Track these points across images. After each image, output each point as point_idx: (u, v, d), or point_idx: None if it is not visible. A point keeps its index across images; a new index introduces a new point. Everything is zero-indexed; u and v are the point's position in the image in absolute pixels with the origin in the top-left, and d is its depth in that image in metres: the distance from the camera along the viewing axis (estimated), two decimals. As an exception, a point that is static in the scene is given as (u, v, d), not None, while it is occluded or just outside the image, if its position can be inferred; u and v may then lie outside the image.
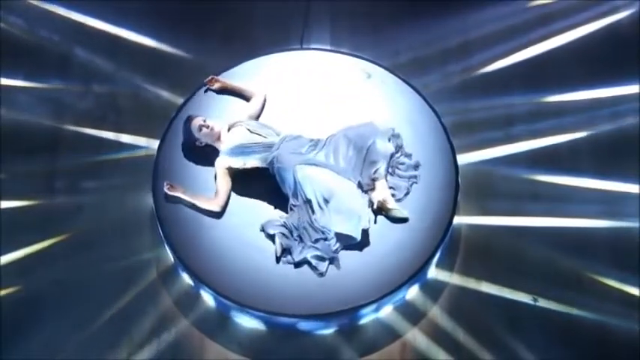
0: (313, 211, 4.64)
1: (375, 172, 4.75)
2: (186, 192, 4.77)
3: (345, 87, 5.12)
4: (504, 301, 4.90)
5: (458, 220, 5.00)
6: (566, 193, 5.20)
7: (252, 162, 4.77)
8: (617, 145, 5.32)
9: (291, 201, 4.71)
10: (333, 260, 4.63)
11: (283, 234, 4.65)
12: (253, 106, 5.02)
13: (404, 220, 4.73)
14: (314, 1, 5.77)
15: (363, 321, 4.81)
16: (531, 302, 4.88)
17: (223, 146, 4.82)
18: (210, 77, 5.10)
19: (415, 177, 4.86)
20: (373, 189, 4.74)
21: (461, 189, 4.87)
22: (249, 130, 4.81)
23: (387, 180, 4.80)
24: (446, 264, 4.98)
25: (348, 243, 4.64)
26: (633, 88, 5.48)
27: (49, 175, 5.29)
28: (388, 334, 4.81)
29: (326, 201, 4.63)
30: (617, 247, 5.02)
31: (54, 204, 5.20)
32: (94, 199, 5.21)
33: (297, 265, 4.64)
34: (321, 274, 4.61)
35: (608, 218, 5.11)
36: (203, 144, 4.88)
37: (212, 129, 4.84)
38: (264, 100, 5.05)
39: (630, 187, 5.18)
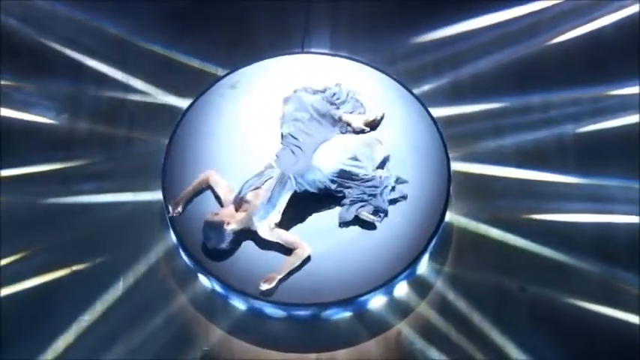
0: (357, 174, 4.87)
1: (333, 115, 5.02)
2: (279, 270, 4.69)
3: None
4: (495, 294, 4.98)
5: (449, 215, 5.08)
6: (554, 189, 5.28)
7: (282, 203, 4.77)
8: (603, 144, 5.40)
9: (334, 188, 4.87)
10: (398, 180, 4.93)
11: (361, 206, 4.85)
12: (220, 185, 4.91)
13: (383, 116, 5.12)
14: (314, 6, 5.82)
15: (355, 313, 4.86)
16: (520, 292, 4.96)
17: (251, 220, 4.75)
18: (171, 207, 4.87)
19: (349, 90, 5.16)
20: (349, 124, 5.03)
21: (452, 185, 4.97)
22: (257, 188, 4.79)
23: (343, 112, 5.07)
24: (437, 258, 5.03)
25: (388, 161, 4.99)
26: (617, 88, 5.58)
27: (60, 174, 5.32)
28: (380, 327, 4.87)
29: (353, 159, 4.88)
30: (603, 242, 5.12)
31: (64, 202, 5.23)
32: (104, 198, 5.24)
33: (386, 213, 4.86)
34: (405, 197, 4.90)
35: (594, 213, 5.21)
36: (229, 225, 4.70)
37: (227, 207, 4.78)
38: (215, 174, 4.94)
39: (615, 184, 5.27)
